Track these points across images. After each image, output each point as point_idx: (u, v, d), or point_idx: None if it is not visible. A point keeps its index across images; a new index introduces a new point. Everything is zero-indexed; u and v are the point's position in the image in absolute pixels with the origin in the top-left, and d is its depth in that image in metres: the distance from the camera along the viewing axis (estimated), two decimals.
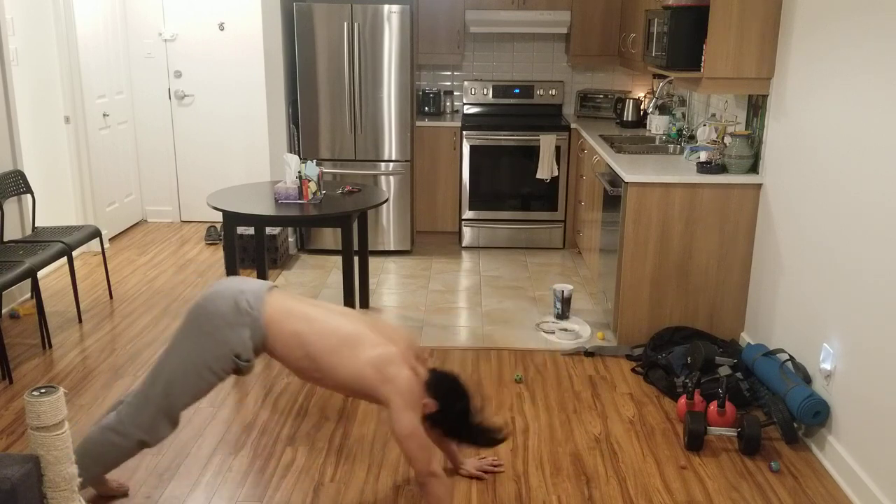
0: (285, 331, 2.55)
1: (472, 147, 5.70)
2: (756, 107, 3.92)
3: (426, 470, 2.49)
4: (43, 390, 2.26)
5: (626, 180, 3.89)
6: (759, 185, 3.84)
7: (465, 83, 6.15)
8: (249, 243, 5.30)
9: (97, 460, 2.61)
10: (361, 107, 5.41)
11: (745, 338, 3.98)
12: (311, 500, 2.80)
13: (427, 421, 2.59)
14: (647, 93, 6.05)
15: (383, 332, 2.66)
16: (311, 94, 5.38)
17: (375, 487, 2.88)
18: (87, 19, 5.64)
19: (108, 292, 4.87)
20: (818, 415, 3.05)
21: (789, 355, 3.39)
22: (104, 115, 5.91)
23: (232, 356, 2.54)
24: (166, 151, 6.51)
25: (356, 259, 5.33)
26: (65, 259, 4.90)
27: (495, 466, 2.98)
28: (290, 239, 5.63)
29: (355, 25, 5.24)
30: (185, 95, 6.40)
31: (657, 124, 5.24)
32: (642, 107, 5.72)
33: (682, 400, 3.35)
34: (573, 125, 5.64)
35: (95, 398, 3.53)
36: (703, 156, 4.01)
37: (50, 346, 4.07)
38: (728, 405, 3.26)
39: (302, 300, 2.67)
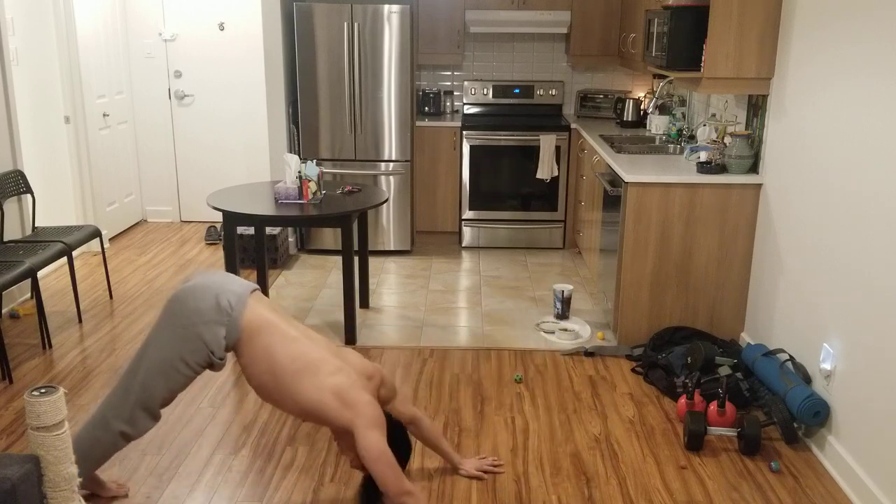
0: (257, 343, 2.55)
1: (472, 147, 5.70)
2: (756, 107, 3.92)
3: (401, 489, 2.45)
4: (43, 390, 2.26)
5: (626, 180, 3.89)
6: (759, 185, 3.84)
7: (465, 83, 6.15)
8: (249, 243, 5.30)
9: (84, 457, 2.59)
10: (361, 107, 5.41)
11: (745, 338, 3.98)
12: (311, 500, 2.80)
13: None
14: (647, 93, 6.05)
15: (349, 360, 2.66)
16: (311, 94, 5.38)
17: None
18: (87, 19, 5.64)
19: (108, 292, 4.87)
20: (818, 415, 3.05)
21: (789, 355, 3.39)
22: (104, 115, 5.91)
23: (207, 351, 2.54)
24: (166, 151, 6.52)
25: (356, 259, 5.33)
26: (65, 259, 4.90)
27: (495, 466, 2.98)
28: (290, 239, 5.63)
29: (355, 25, 5.24)
30: (185, 95, 6.40)
31: (657, 124, 5.24)
32: (642, 107, 5.72)
33: (682, 400, 3.35)
34: (573, 125, 5.64)
35: (95, 398, 3.53)
36: (703, 156, 4.01)
37: (50, 346, 4.07)
38: (728, 405, 3.26)
39: (280, 314, 2.66)
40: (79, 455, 2.58)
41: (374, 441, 2.46)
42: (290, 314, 2.70)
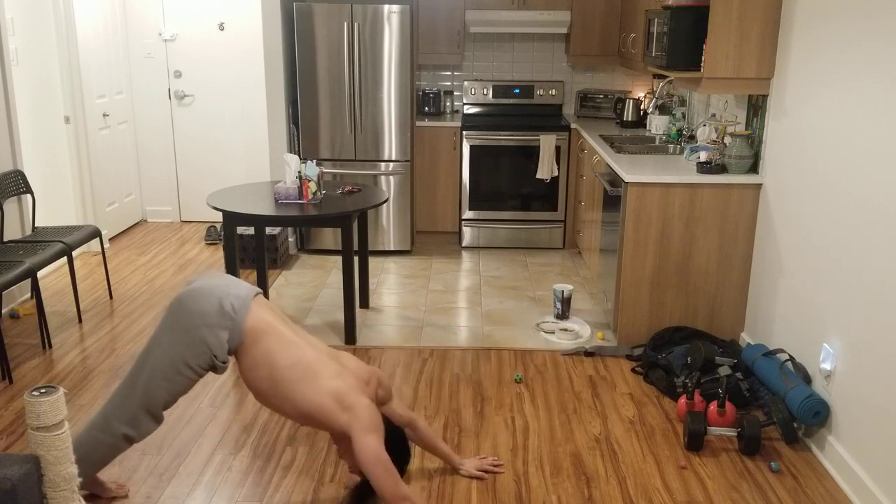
0: (258, 347, 2.57)
1: (472, 147, 5.70)
2: (756, 107, 3.92)
3: (397, 493, 2.44)
4: (43, 390, 2.26)
5: (626, 180, 3.89)
6: (759, 185, 3.84)
7: (465, 83, 6.15)
8: (249, 243, 5.30)
9: (85, 459, 2.60)
10: (361, 107, 5.41)
11: (745, 338, 3.98)
12: (311, 500, 2.80)
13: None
14: (647, 93, 6.05)
15: (347, 364, 2.68)
16: (311, 94, 5.38)
17: None
18: (87, 19, 5.64)
19: (108, 292, 4.87)
20: (818, 415, 3.05)
21: (789, 355, 3.39)
22: (104, 115, 5.91)
23: (210, 355, 2.56)
24: (166, 151, 6.52)
25: (356, 259, 5.33)
26: (65, 259, 4.90)
27: (495, 466, 2.98)
28: (290, 239, 5.63)
29: (355, 25, 5.24)
30: (185, 95, 6.40)
31: (657, 124, 5.24)
32: (642, 107, 5.72)
33: (682, 400, 3.35)
34: (573, 125, 5.64)
35: (95, 398, 3.53)
36: (703, 156, 4.01)
37: (50, 346, 4.07)
38: (728, 405, 3.26)
39: (280, 318, 2.68)
40: (80, 457, 2.59)
41: (371, 444, 2.46)
42: (288, 318, 2.71)
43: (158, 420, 2.64)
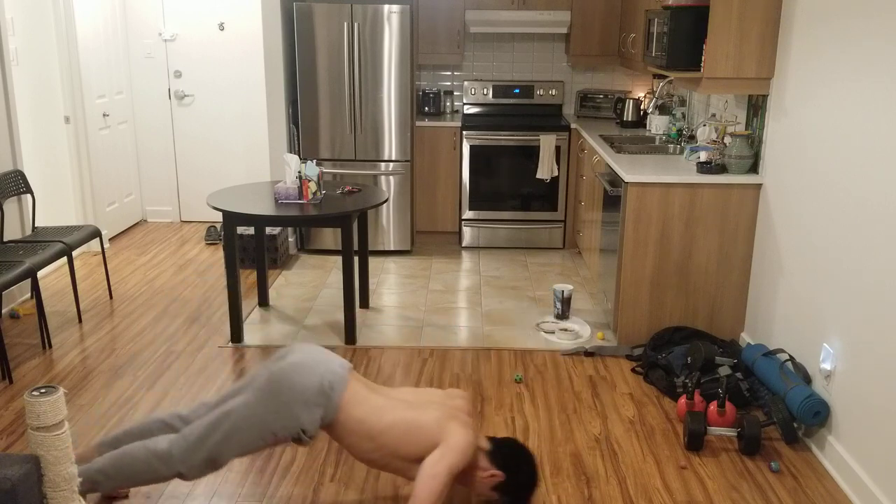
0: (352, 418, 2.58)
1: (472, 147, 5.70)
2: (756, 107, 3.92)
3: None
4: (43, 390, 2.26)
5: (626, 180, 3.89)
6: (759, 185, 3.84)
7: (465, 83, 6.15)
8: (249, 243, 5.30)
9: (130, 477, 2.61)
10: (361, 107, 5.41)
11: (745, 338, 3.98)
12: (311, 500, 2.80)
13: (495, 491, 2.64)
14: (647, 93, 6.05)
15: (443, 401, 2.75)
16: (311, 94, 5.38)
17: (375, 487, 2.88)
18: (87, 19, 5.64)
19: (108, 292, 4.87)
20: (818, 415, 3.05)
21: (789, 355, 3.39)
22: (104, 115, 5.91)
23: (299, 429, 2.56)
24: (166, 151, 6.52)
25: (356, 259, 5.33)
26: (65, 259, 4.90)
27: None
28: (290, 239, 5.63)
29: (355, 25, 5.24)
30: (185, 95, 6.41)
31: (657, 124, 5.24)
32: (642, 107, 5.72)
33: (682, 400, 3.35)
34: (573, 125, 5.64)
35: (95, 398, 3.53)
36: (703, 156, 4.01)
37: (50, 346, 4.07)
38: (728, 405, 3.26)
39: (369, 387, 2.70)
40: (124, 474, 2.60)
41: (443, 464, 2.47)
42: (373, 383, 2.78)
43: (217, 469, 2.63)
